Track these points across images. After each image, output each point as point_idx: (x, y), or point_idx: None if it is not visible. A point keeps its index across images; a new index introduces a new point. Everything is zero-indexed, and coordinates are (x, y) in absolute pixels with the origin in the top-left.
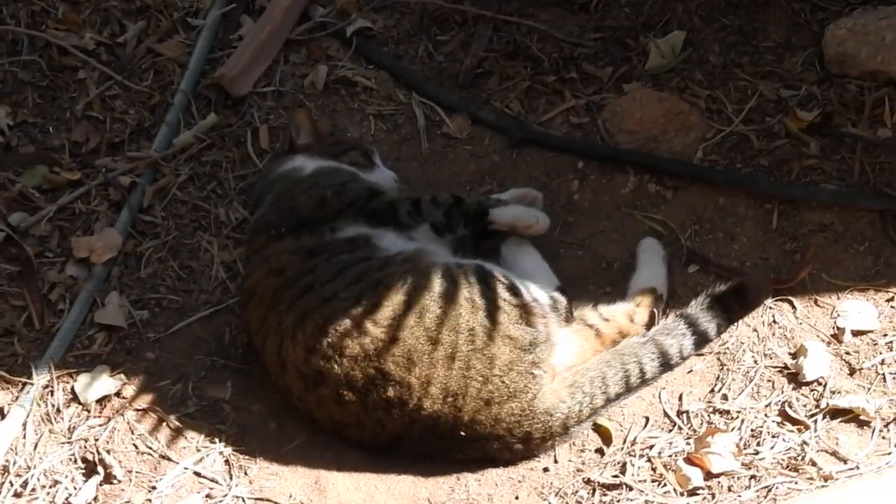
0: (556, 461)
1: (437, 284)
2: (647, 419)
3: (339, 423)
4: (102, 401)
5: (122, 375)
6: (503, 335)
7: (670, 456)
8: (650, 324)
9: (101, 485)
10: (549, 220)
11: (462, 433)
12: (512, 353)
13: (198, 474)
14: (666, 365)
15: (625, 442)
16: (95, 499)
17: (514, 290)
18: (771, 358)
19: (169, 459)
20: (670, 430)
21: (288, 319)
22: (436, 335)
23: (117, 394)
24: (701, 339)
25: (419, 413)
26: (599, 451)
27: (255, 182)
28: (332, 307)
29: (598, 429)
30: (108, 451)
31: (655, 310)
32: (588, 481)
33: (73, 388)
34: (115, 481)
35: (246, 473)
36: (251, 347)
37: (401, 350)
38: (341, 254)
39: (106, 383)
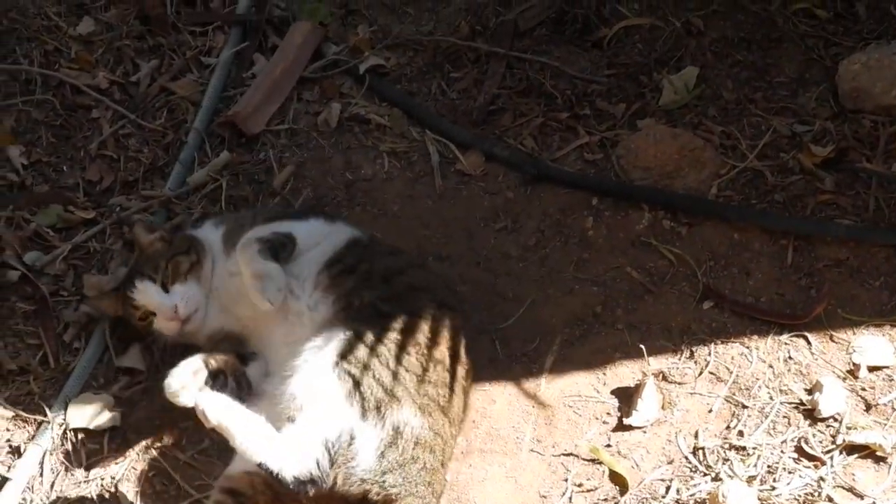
0: None
1: None
2: (664, 458)
3: None
4: (116, 437)
5: (132, 411)
6: None
7: (690, 496)
8: None
9: None
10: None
11: None
12: None
13: None
14: None
15: (640, 484)
16: None
17: None
18: (787, 394)
19: (188, 495)
20: (688, 469)
21: None
22: None
23: (134, 431)
24: None
25: None
26: (614, 499)
27: None
28: None
29: (613, 477)
30: (125, 489)
31: None
32: None
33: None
34: None
35: None
36: None
37: None
38: None
39: (106, 414)
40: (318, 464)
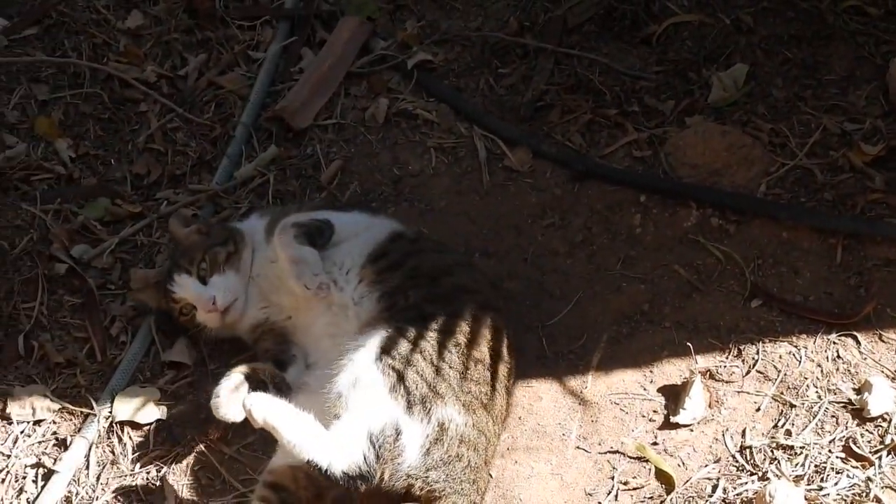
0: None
1: None
2: (710, 457)
3: None
4: (162, 431)
5: (178, 404)
6: None
7: (736, 495)
8: None
9: None
10: None
11: None
12: None
13: None
14: None
15: (687, 482)
16: None
17: None
18: (835, 393)
19: (233, 488)
20: (735, 468)
21: None
22: None
23: (179, 424)
24: None
25: None
26: (660, 498)
27: None
28: None
29: (660, 475)
30: (172, 482)
31: None
32: None
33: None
34: None
35: None
36: None
37: None
38: None
39: (152, 408)
40: (364, 458)
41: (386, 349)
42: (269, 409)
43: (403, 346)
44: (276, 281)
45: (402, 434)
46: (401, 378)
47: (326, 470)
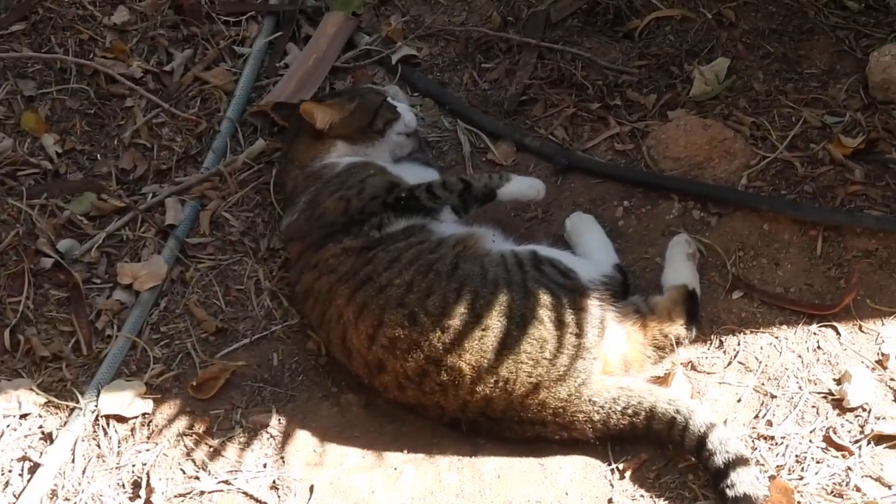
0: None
1: (490, 272)
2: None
3: (405, 405)
4: (148, 424)
5: (164, 398)
6: (554, 320)
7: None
8: (689, 322)
9: None
10: (545, 189)
11: (513, 415)
12: (563, 337)
13: (247, 494)
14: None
15: (667, 464)
16: None
17: (567, 275)
18: (815, 384)
19: (218, 482)
20: None
21: (349, 311)
22: (486, 321)
23: (165, 418)
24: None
25: (472, 396)
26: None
27: (285, 174)
28: (387, 295)
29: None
30: (156, 475)
31: (690, 307)
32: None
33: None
34: None
35: (295, 495)
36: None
37: (451, 337)
38: (398, 242)
39: (138, 401)
40: None
41: None
42: None
43: None
44: None
45: None
46: None
47: None
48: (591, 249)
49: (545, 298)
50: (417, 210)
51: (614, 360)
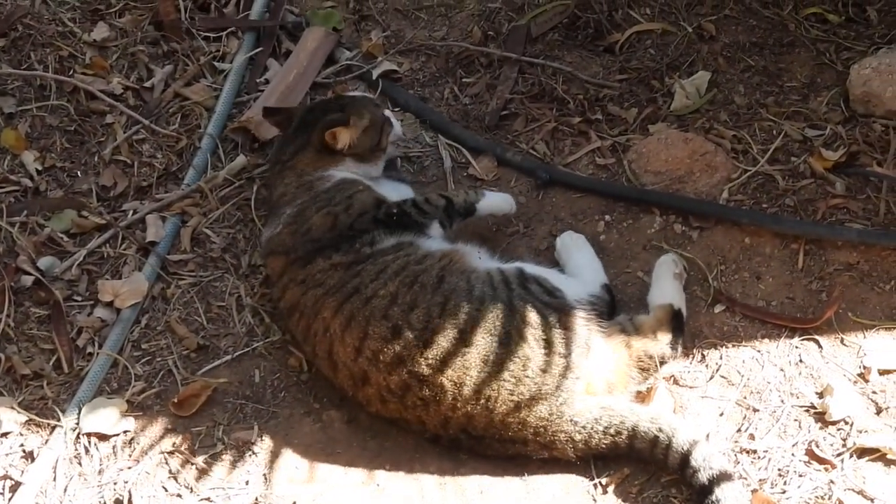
0: None
1: (476, 288)
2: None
3: (388, 419)
4: (130, 442)
5: (145, 415)
6: (538, 338)
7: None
8: (674, 341)
9: None
10: (515, 205)
11: (494, 433)
12: (547, 355)
13: None
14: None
15: (650, 479)
16: None
17: (553, 294)
18: (797, 397)
19: (200, 499)
20: None
21: (335, 323)
22: (470, 338)
23: (147, 436)
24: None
25: (453, 413)
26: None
27: (277, 178)
28: (372, 307)
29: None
30: (138, 494)
31: (676, 326)
32: None
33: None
34: None
35: None
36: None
37: (434, 352)
38: (386, 256)
39: (120, 419)
40: None
41: None
42: None
43: None
44: None
45: None
46: None
47: None
48: (580, 268)
49: (530, 317)
50: (408, 225)
51: (598, 380)
